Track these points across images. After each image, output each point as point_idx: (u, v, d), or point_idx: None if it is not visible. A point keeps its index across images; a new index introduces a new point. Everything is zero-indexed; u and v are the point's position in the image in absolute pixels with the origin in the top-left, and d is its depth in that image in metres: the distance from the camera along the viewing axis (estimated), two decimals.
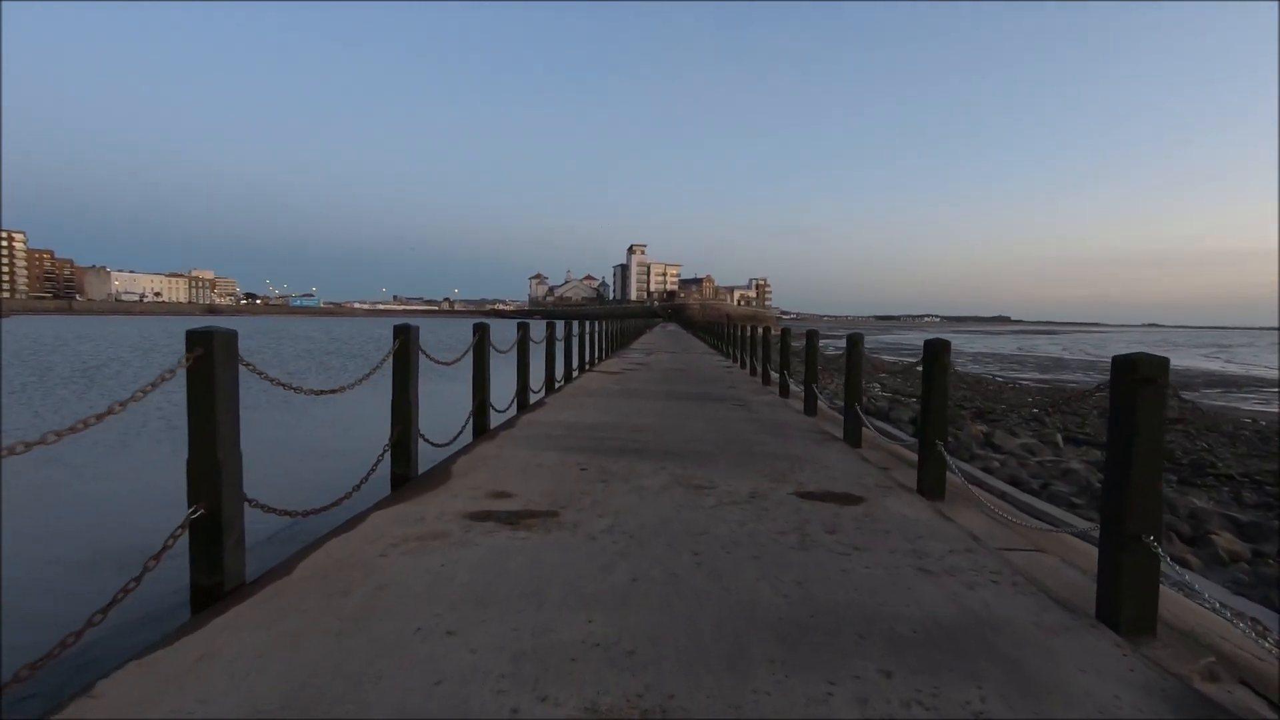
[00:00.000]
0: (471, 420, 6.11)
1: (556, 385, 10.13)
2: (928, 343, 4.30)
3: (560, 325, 11.46)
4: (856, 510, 3.85)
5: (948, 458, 4.20)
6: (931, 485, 4.24)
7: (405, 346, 4.34)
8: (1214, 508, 7.28)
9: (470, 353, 6.17)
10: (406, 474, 4.35)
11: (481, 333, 6.17)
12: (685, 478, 4.52)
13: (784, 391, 9.87)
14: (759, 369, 12.65)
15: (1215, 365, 41.70)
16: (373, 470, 3.92)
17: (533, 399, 8.48)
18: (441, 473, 4.51)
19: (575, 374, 12.22)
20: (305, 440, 10.86)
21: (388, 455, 4.26)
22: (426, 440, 4.72)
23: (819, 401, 8.00)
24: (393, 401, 4.38)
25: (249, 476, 2.75)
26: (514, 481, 4.31)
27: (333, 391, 3.60)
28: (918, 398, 19.44)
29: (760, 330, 13.11)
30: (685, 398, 9.01)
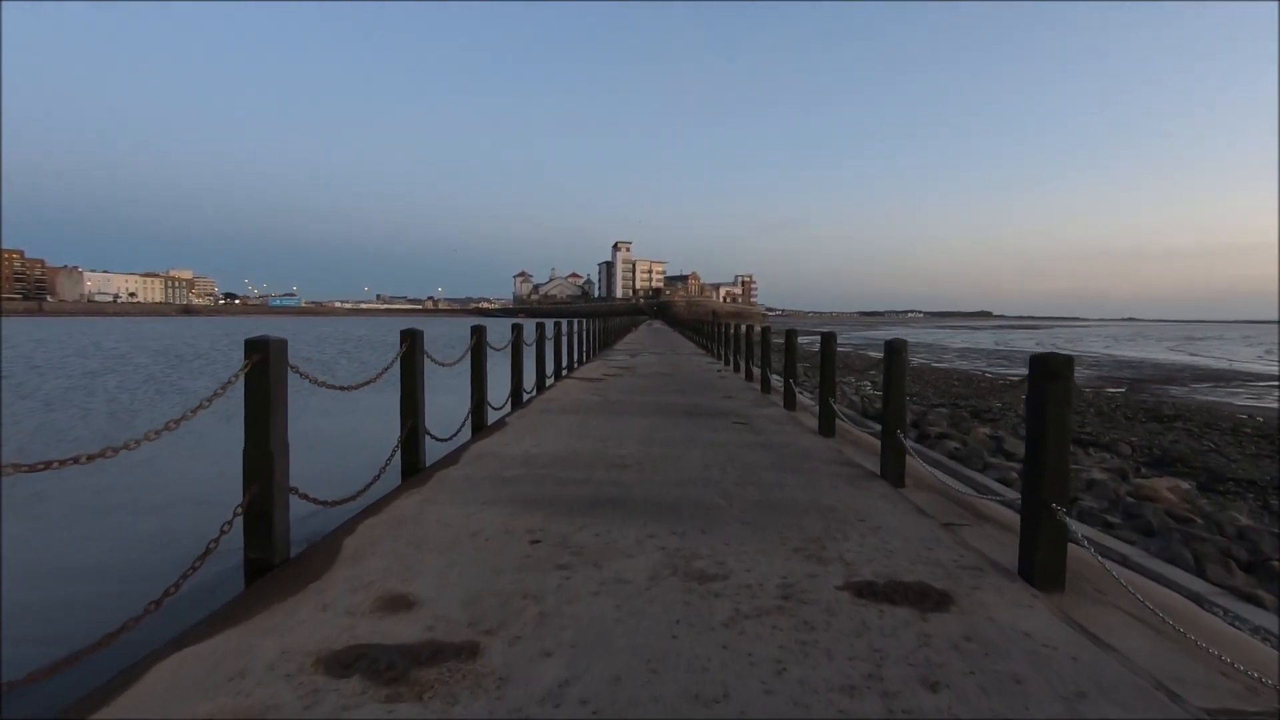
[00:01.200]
0: (400, 455, 4.66)
1: (527, 397, 8.69)
2: (1039, 359, 2.92)
3: (531, 326, 10.01)
4: (949, 624, 2.47)
5: (1073, 527, 2.83)
6: (1048, 572, 2.87)
7: (262, 368, 2.89)
8: (1257, 523, 6.19)
9: (398, 365, 4.73)
10: (268, 559, 2.91)
11: (411, 342, 4.71)
12: (683, 556, 3.11)
13: (790, 403, 8.49)
14: (756, 374, 11.28)
15: (1183, 358, 41.81)
16: (197, 565, 2.48)
17: (494, 416, 7.05)
18: (324, 554, 3.07)
19: (551, 381, 10.78)
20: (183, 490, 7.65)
21: (234, 538, 2.80)
22: (308, 499, 3.28)
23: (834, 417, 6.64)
24: (245, 452, 2.93)
25: None
26: (426, 571, 2.88)
27: (60, 464, 2.12)
28: (911, 396, 17.89)
29: (758, 330, 11.75)
30: (676, 413, 7.59)
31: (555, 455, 5.21)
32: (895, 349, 5.13)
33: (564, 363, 12.63)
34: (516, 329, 8.22)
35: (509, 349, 8.64)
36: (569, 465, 4.87)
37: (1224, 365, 36.68)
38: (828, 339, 6.72)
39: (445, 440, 5.39)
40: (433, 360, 5.10)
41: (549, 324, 12.02)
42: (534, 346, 9.82)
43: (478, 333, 6.57)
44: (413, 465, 4.69)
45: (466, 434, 6.16)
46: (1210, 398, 19.64)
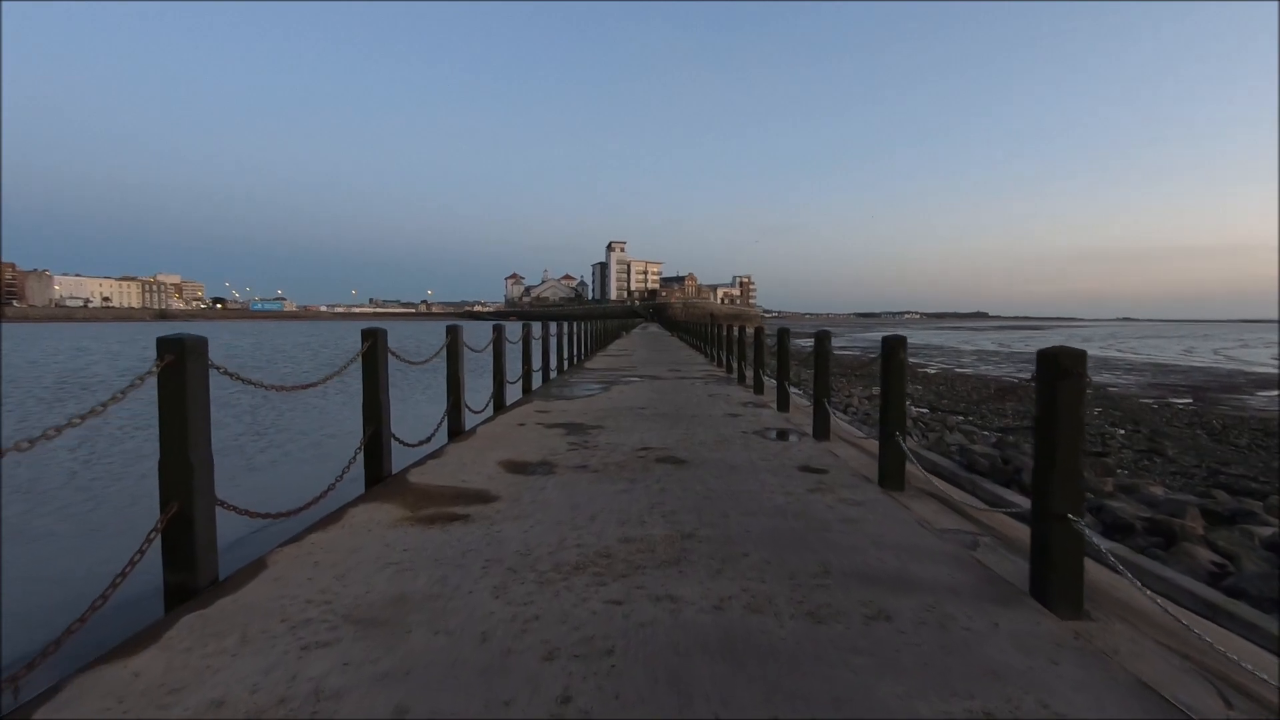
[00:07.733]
0: None
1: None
2: None
3: (484, 331, 7.42)
4: None
5: None
6: None
7: None
8: None
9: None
10: None
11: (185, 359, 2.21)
12: None
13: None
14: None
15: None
16: None
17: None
18: None
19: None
20: None
21: None
22: None
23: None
24: None
25: None
26: None
27: None
28: (968, 415, 13.40)
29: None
30: None
31: None
32: (1065, 367, 2.64)
33: (514, 385, 9.77)
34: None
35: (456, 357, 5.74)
36: None
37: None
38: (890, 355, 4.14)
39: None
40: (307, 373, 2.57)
41: (508, 327, 9.50)
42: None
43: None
44: None
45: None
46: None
